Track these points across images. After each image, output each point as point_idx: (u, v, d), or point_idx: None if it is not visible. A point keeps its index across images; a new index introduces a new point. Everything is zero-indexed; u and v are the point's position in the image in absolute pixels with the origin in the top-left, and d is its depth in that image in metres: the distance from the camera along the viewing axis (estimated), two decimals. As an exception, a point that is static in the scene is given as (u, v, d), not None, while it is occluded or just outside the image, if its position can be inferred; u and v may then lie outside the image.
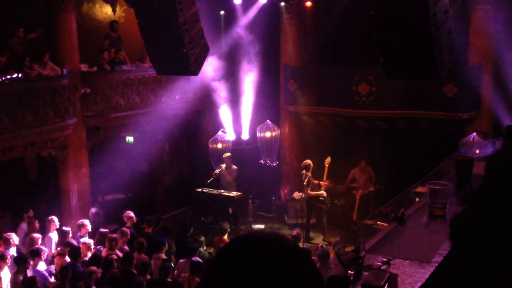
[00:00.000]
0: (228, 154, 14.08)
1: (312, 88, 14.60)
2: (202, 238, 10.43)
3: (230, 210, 13.78)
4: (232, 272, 1.15)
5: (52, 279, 8.86)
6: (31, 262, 8.77)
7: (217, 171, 13.90)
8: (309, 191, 13.03)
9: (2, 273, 8.60)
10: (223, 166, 13.96)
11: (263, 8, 14.96)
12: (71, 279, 8.35)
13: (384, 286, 2.34)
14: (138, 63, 14.12)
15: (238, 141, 15.36)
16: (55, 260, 9.32)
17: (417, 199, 3.96)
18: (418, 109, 13.22)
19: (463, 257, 2.18)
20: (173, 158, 16.59)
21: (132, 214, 11.04)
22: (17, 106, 11.07)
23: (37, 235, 9.84)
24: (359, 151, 14.10)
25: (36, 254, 8.96)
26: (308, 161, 13.12)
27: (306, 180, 12.95)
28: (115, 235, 9.82)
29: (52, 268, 9.36)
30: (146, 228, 10.79)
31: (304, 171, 13.06)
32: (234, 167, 14.06)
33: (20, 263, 8.59)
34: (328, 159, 12.95)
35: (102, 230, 10.47)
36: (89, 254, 9.62)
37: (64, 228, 10.59)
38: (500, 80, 12.44)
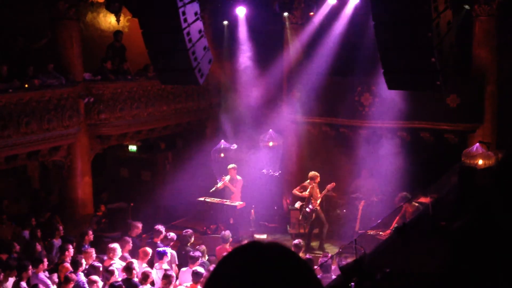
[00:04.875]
0: (233, 165, 14.03)
1: (315, 98, 14.60)
2: (203, 248, 10.41)
3: (232, 220, 13.75)
4: (234, 282, 1.15)
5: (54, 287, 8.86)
6: (34, 270, 8.79)
7: (219, 184, 13.80)
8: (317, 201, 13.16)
9: (8, 282, 8.62)
10: (226, 178, 13.89)
11: (267, 18, 15.01)
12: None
13: (386, 297, 2.34)
14: (142, 73, 14.18)
15: (240, 151, 15.34)
16: (59, 268, 9.32)
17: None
18: (421, 119, 13.21)
19: (465, 268, 2.18)
20: (175, 167, 16.59)
21: (139, 224, 11.06)
22: (21, 114, 11.10)
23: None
24: (362, 161, 14.08)
25: (38, 261, 8.97)
26: (315, 173, 13.20)
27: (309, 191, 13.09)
28: (116, 244, 9.82)
29: (55, 276, 9.35)
30: (155, 238, 10.78)
31: (309, 181, 13.14)
32: (239, 178, 14.02)
33: (22, 270, 8.60)
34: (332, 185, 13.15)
35: (105, 239, 10.47)
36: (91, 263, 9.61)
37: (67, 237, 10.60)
38: (503, 91, 12.45)
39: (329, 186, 13.17)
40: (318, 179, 13.17)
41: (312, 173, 13.22)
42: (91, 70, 13.04)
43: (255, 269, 1.15)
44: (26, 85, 11.34)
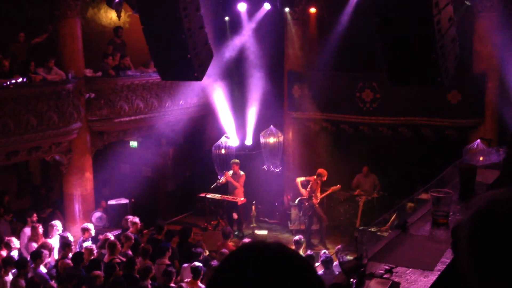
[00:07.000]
0: (236, 160, 14.09)
1: (316, 94, 14.59)
2: (201, 243, 10.43)
3: (234, 216, 13.77)
4: (236, 281, 1.16)
5: (53, 282, 8.86)
6: (32, 265, 8.79)
7: (222, 178, 13.87)
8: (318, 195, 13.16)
9: (6, 277, 8.63)
10: (230, 172, 13.94)
11: (268, 14, 15.00)
12: (74, 284, 8.35)
13: (387, 294, 2.34)
14: (143, 69, 14.17)
15: (241, 147, 15.36)
16: (59, 264, 9.33)
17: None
18: (422, 115, 13.19)
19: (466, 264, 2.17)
20: (176, 164, 16.60)
21: (137, 219, 11.05)
22: (22, 110, 11.10)
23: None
24: (363, 158, 14.08)
25: (37, 256, 8.97)
26: (324, 171, 13.19)
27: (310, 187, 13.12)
28: (113, 239, 9.82)
29: (53, 271, 9.36)
30: (155, 234, 10.78)
31: (316, 178, 13.13)
32: (242, 173, 14.06)
33: (21, 266, 8.61)
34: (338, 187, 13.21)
35: (108, 235, 10.47)
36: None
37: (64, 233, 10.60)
38: (504, 88, 12.42)
39: (334, 188, 13.20)
40: (325, 178, 13.15)
41: (320, 170, 13.16)
42: (92, 66, 13.03)
43: (258, 270, 1.15)
44: (27, 81, 11.35)
